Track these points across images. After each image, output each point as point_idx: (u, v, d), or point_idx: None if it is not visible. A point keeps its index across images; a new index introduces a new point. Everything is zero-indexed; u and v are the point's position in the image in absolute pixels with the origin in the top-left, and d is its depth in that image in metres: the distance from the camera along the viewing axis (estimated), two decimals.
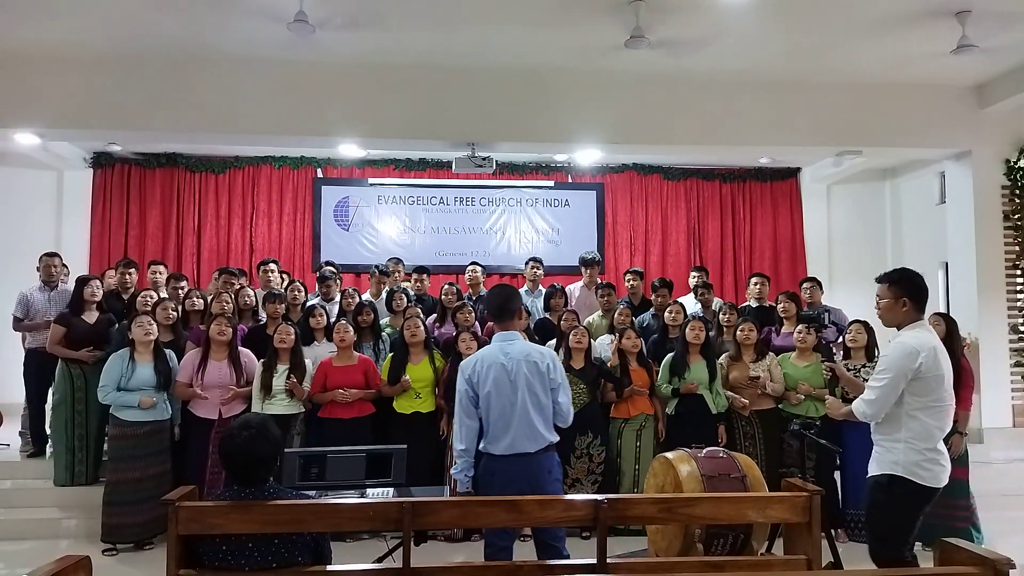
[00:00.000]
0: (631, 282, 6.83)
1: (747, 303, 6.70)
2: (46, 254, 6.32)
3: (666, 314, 5.87)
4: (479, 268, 7.02)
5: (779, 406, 5.36)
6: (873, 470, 3.29)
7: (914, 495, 3.15)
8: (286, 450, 3.86)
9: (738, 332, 5.43)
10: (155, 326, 5.13)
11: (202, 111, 6.74)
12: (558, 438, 3.54)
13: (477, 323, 6.07)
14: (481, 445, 3.46)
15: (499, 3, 5.61)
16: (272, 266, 6.77)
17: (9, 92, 6.48)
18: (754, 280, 6.67)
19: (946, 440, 3.31)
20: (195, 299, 5.85)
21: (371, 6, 5.66)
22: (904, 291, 3.26)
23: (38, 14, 5.74)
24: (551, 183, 9.61)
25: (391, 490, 3.57)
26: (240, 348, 5.33)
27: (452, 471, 3.46)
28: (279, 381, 5.13)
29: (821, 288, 6.39)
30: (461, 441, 3.43)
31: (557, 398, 3.50)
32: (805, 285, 6.39)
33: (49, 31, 6.04)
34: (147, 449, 5.01)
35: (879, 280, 3.38)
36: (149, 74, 6.58)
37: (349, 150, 8.34)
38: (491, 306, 3.70)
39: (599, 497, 2.78)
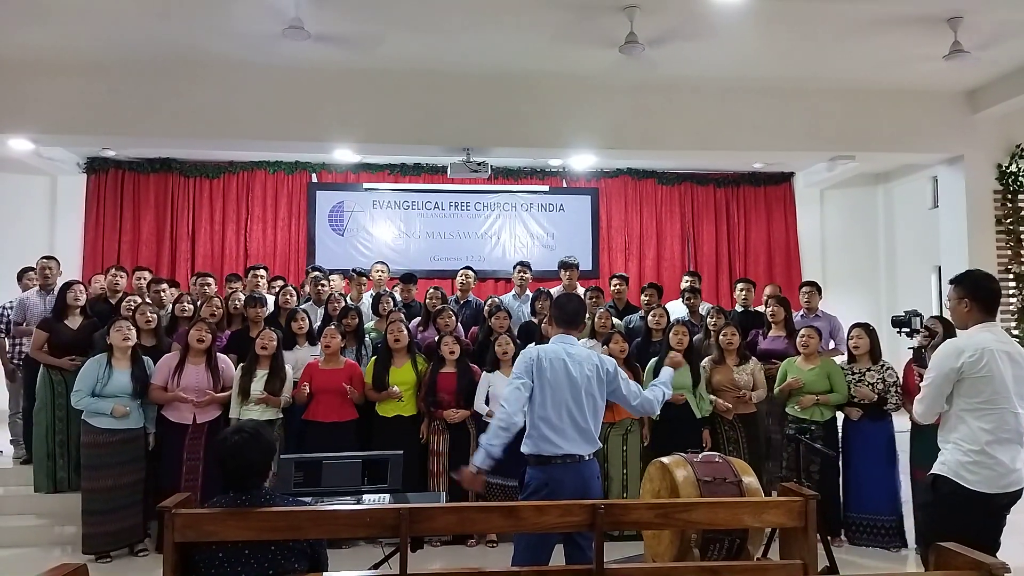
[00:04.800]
0: (617, 286, 6.82)
1: (734, 308, 6.73)
2: (43, 257, 6.30)
3: (650, 318, 5.89)
4: (471, 273, 7.00)
5: (785, 410, 5.36)
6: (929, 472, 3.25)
7: (958, 497, 3.02)
8: (282, 456, 3.85)
9: (721, 336, 5.46)
10: (134, 331, 5.06)
11: (196, 116, 6.74)
12: (600, 445, 3.46)
13: (460, 327, 6.05)
14: (529, 447, 3.29)
15: (494, 9, 5.63)
16: (261, 271, 6.77)
17: (3, 97, 6.47)
18: (740, 285, 6.71)
19: None
20: (185, 304, 5.82)
21: (366, 12, 5.67)
22: (966, 291, 3.21)
23: (32, 20, 5.73)
24: (546, 188, 9.63)
25: (387, 496, 3.55)
26: (219, 355, 5.28)
27: (486, 441, 3.20)
28: (258, 386, 5.07)
29: (820, 293, 6.40)
30: (515, 414, 3.19)
31: (630, 389, 3.43)
32: (804, 290, 6.37)
33: (43, 37, 6.03)
34: (119, 457, 4.91)
35: (950, 283, 3.35)
36: (143, 79, 6.58)
37: (344, 155, 8.34)
38: (565, 311, 3.52)
39: (596, 502, 2.78)
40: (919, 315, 4.92)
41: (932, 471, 3.17)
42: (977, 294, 3.19)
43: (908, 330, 4.80)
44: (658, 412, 3.55)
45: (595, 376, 3.35)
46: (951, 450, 3.09)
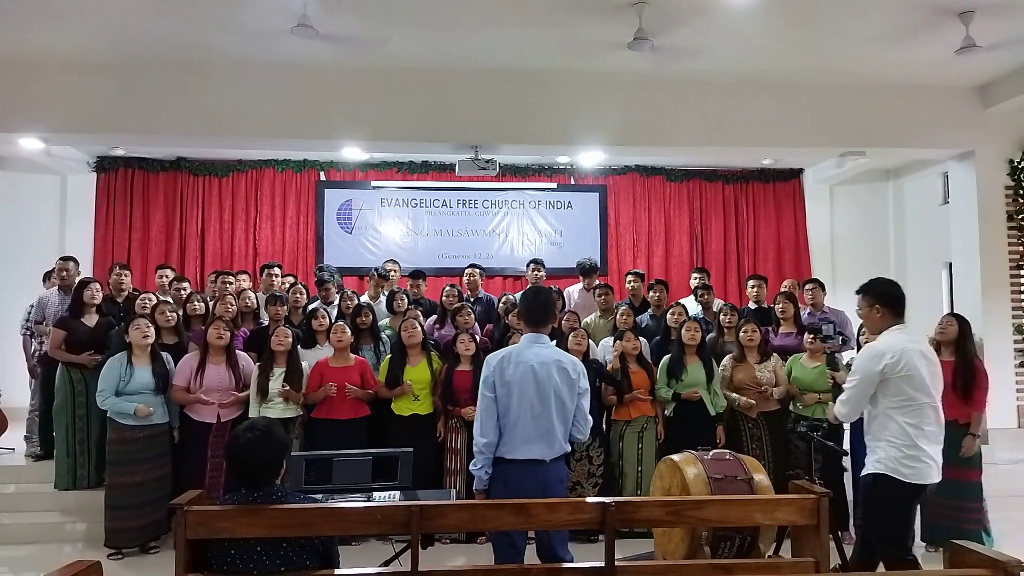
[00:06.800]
0: (632, 283, 6.84)
1: (747, 305, 6.71)
2: (61, 258, 6.35)
3: (668, 315, 5.88)
4: (478, 270, 7.03)
5: (789, 408, 5.36)
6: (864, 471, 3.42)
7: (898, 492, 3.22)
8: (292, 454, 3.86)
9: (741, 334, 5.43)
10: (152, 328, 5.11)
11: (205, 114, 6.75)
12: (570, 448, 3.47)
13: (476, 324, 6.05)
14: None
15: (501, 5, 5.62)
16: (276, 270, 6.79)
17: (13, 97, 6.49)
18: (752, 282, 6.69)
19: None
20: (196, 303, 5.84)
21: (374, 9, 5.67)
22: (875, 298, 3.42)
23: (42, 19, 5.76)
24: (554, 185, 9.61)
25: (397, 493, 3.56)
26: (238, 352, 5.31)
27: (472, 466, 3.35)
28: (275, 384, 5.10)
29: (824, 290, 6.39)
30: (484, 434, 3.28)
31: (580, 403, 3.40)
32: (808, 287, 6.39)
33: (53, 36, 6.05)
34: (147, 453, 5.00)
35: (856, 293, 3.55)
36: (152, 78, 6.59)
37: (352, 153, 8.34)
38: (532, 308, 3.47)
39: (607, 500, 2.78)
40: (831, 323, 5.25)
41: (869, 471, 3.32)
42: (886, 300, 3.41)
43: (821, 336, 5.08)
44: (586, 436, 3.57)
45: (565, 379, 3.33)
46: (884, 448, 3.26)
